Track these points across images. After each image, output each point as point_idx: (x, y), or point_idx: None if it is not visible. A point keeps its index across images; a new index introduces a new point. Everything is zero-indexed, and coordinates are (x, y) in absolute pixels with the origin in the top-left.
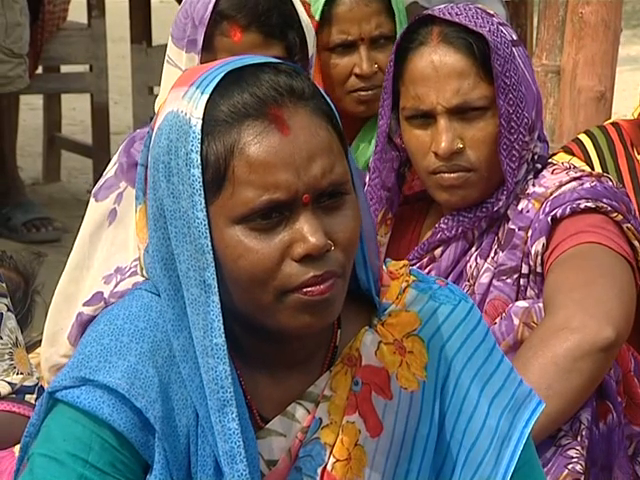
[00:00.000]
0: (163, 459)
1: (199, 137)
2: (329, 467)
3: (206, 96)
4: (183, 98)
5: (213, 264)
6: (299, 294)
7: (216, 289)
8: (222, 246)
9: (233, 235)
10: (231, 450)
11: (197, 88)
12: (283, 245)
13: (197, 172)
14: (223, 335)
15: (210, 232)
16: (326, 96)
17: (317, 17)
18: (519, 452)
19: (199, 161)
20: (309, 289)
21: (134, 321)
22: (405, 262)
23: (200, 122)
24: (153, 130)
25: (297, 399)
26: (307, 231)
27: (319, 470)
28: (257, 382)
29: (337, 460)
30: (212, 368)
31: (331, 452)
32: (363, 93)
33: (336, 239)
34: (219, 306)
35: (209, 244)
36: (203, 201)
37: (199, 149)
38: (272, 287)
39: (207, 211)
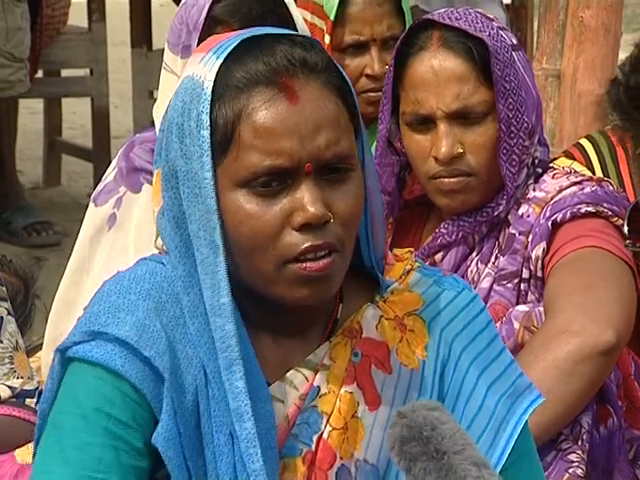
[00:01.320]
0: (171, 410)
1: (209, 99)
2: (325, 435)
3: (220, 61)
4: (200, 62)
5: (219, 225)
6: (299, 268)
7: (222, 249)
8: (225, 210)
9: (235, 199)
10: (239, 408)
11: (213, 53)
12: (283, 213)
13: (206, 133)
14: (230, 295)
15: (218, 195)
16: (343, 71)
17: (332, 17)
18: (516, 436)
19: (208, 122)
20: (308, 264)
21: (140, 282)
22: (410, 249)
23: (211, 85)
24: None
25: (296, 366)
26: (307, 200)
27: (315, 437)
28: (261, 346)
29: (333, 429)
30: (220, 327)
31: (328, 420)
32: (373, 94)
33: (336, 212)
34: (225, 267)
35: (214, 204)
36: (210, 162)
37: (209, 111)
38: (272, 255)
39: (215, 173)
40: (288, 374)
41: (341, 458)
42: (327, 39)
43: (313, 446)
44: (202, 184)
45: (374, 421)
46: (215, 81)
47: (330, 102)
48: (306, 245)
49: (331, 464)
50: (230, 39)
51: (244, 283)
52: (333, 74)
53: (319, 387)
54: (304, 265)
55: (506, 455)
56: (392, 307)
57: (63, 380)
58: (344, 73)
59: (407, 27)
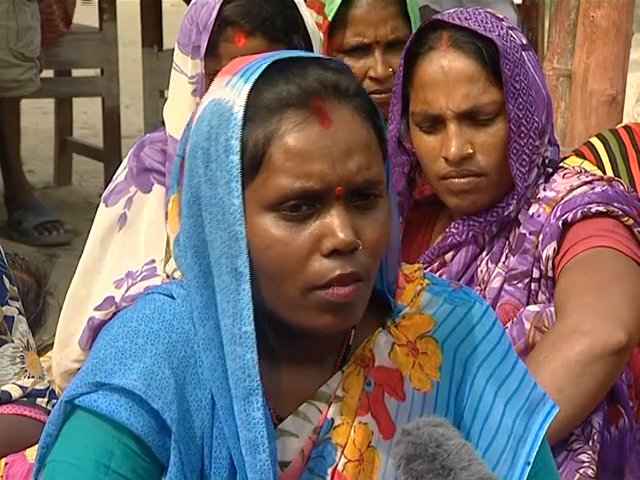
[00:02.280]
0: (178, 461)
1: (240, 124)
2: (340, 467)
3: (249, 85)
4: (226, 86)
5: (246, 251)
6: (325, 294)
7: (247, 277)
8: (251, 234)
9: (263, 223)
10: (254, 439)
11: (241, 77)
12: (312, 238)
13: (236, 158)
14: (252, 323)
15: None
16: (370, 97)
17: (330, 17)
18: (534, 453)
19: (238, 147)
20: (334, 290)
21: (148, 323)
22: (420, 265)
23: (242, 109)
24: (193, 121)
25: (309, 399)
26: (337, 226)
27: (330, 470)
28: (272, 379)
29: (348, 461)
30: (240, 356)
31: (342, 453)
32: (377, 96)
33: (364, 241)
34: (250, 294)
35: (243, 231)
36: (240, 188)
37: (239, 136)
38: (299, 281)
39: (243, 197)
40: (301, 407)
41: None
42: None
43: (328, 479)
44: (227, 210)
45: (389, 450)
46: (245, 105)
47: (361, 127)
48: (335, 274)
49: None
50: (258, 61)
51: (264, 309)
52: (364, 99)
53: (333, 419)
54: (331, 291)
55: (527, 473)
56: (404, 332)
57: (64, 428)
58: (372, 99)
59: (413, 30)
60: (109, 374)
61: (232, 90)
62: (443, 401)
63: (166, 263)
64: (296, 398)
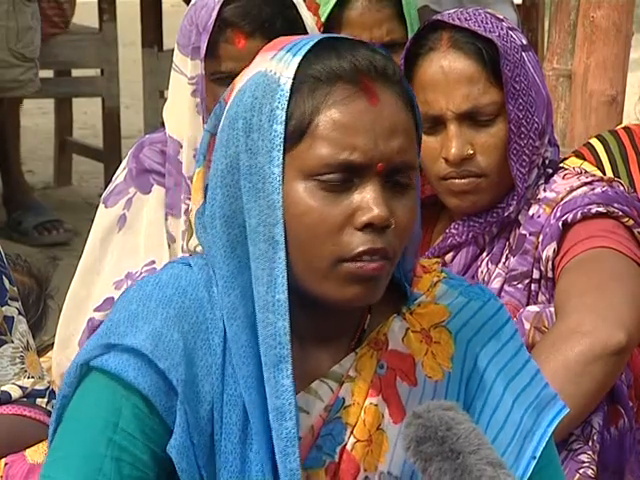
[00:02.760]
0: (184, 422)
1: (287, 95)
2: (349, 447)
3: (299, 57)
4: (272, 60)
5: (282, 220)
6: (354, 266)
7: (283, 245)
8: (289, 201)
9: (300, 190)
10: (282, 406)
11: (288, 51)
12: (348, 210)
13: (280, 128)
14: (286, 292)
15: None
16: (410, 87)
17: (323, 18)
18: (541, 448)
19: (283, 117)
20: (363, 263)
21: (163, 288)
22: (437, 260)
23: (290, 81)
24: (225, 101)
25: (322, 377)
26: (373, 201)
27: (338, 449)
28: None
29: (357, 440)
30: (271, 324)
31: (352, 432)
32: None
33: (396, 221)
34: (285, 263)
35: (281, 200)
36: (281, 157)
37: (285, 106)
38: (330, 252)
39: (282, 166)
40: (313, 385)
41: (365, 470)
42: None
43: (337, 458)
44: (267, 179)
45: (398, 434)
46: (294, 77)
47: (405, 112)
48: (366, 247)
49: (354, 476)
50: (305, 39)
51: (292, 282)
52: (406, 88)
53: (344, 398)
54: (359, 265)
55: (532, 467)
56: (419, 319)
57: (78, 388)
58: (411, 89)
59: (409, 32)
60: (121, 336)
61: (279, 63)
62: (454, 391)
63: (189, 240)
64: (309, 375)
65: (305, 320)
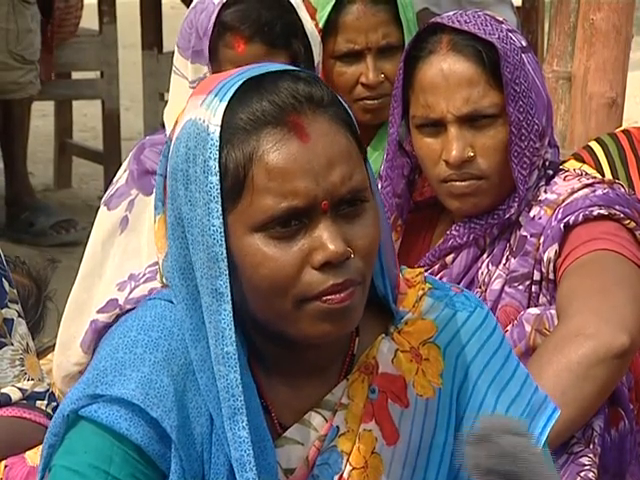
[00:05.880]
0: (179, 469)
1: (217, 144)
2: (345, 475)
3: (224, 104)
4: (201, 106)
5: (227, 272)
6: (319, 302)
7: (228, 297)
8: (242, 254)
9: (252, 243)
10: (241, 458)
11: (215, 96)
12: (303, 253)
13: (215, 179)
14: (234, 343)
15: (228, 240)
16: (344, 104)
17: (321, 24)
18: None
19: (217, 168)
20: (329, 297)
21: (148, 331)
22: (421, 270)
23: (218, 129)
24: (171, 140)
25: (314, 407)
26: (326, 238)
27: (335, 478)
28: (277, 390)
29: (353, 468)
30: (224, 376)
31: (348, 460)
32: (369, 102)
33: (356, 247)
34: (231, 315)
35: (224, 252)
36: (220, 208)
37: (217, 156)
38: (291, 295)
39: (225, 219)
40: (306, 416)
41: None
42: None
43: None
44: (207, 231)
45: (393, 456)
46: (221, 125)
47: (340, 136)
48: (327, 285)
49: None
50: (231, 78)
51: (260, 325)
52: (339, 107)
53: (338, 427)
54: (324, 298)
55: None
56: (407, 338)
57: (66, 435)
58: (346, 106)
59: (406, 35)
60: (109, 385)
61: (207, 110)
62: (445, 407)
63: (162, 277)
64: (301, 407)
65: (290, 355)
